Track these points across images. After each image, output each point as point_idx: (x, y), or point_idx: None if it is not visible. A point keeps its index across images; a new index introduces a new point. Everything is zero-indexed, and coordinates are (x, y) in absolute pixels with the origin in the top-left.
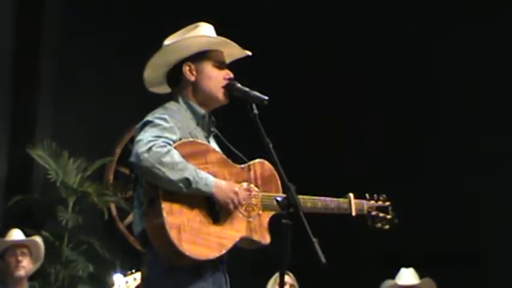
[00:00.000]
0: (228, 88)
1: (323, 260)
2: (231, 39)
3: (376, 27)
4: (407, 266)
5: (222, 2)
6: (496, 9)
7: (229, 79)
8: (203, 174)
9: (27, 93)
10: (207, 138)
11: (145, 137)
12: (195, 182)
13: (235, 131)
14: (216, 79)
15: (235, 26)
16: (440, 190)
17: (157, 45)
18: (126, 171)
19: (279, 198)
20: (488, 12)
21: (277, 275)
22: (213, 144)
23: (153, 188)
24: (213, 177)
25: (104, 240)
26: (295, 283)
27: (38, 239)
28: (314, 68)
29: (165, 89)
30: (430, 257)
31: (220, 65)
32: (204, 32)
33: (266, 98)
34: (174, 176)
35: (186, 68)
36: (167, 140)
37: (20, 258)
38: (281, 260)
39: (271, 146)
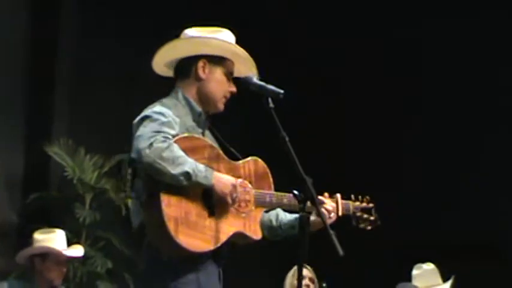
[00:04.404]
0: (245, 82)
1: (341, 252)
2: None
3: (377, 28)
4: (423, 261)
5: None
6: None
7: (231, 93)
8: (202, 167)
9: (43, 91)
10: (202, 134)
11: (145, 132)
12: (195, 175)
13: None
14: (222, 87)
15: (239, 25)
16: (457, 184)
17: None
18: None
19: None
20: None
21: (295, 268)
22: (209, 140)
23: (153, 182)
24: (212, 170)
25: (122, 237)
26: (314, 276)
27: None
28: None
29: (168, 73)
30: (447, 249)
31: (230, 76)
32: (230, 39)
33: (282, 91)
34: (174, 170)
35: (200, 64)
36: (166, 134)
37: (64, 270)
38: (299, 253)
39: (287, 139)
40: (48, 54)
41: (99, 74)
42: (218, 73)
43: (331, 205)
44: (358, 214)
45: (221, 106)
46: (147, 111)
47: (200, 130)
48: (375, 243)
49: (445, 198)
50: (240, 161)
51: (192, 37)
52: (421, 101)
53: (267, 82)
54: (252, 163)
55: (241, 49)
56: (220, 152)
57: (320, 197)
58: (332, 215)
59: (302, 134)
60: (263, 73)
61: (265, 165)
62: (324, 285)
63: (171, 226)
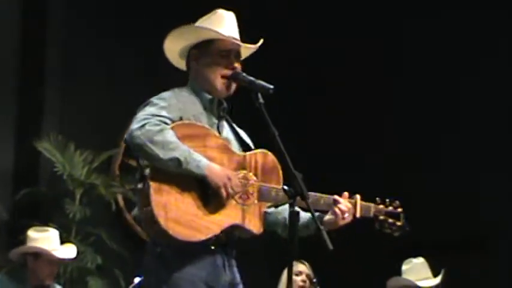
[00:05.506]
0: (233, 78)
1: (330, 247)
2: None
3: (377, 28)
4: (415, 256)
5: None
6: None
7: (232, 69)
8: (196, 156)
9: (33, 86)
10: (217, 123)
11: (141, 115)
12: (186, 163)
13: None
14: (214, 69)
15: (239, 25)
16: (447, 178)
17: (163, 36)
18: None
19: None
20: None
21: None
22: (226, 130)
23: (145, 166)
24: (207, 160)
25: (111, 232)
26: (311, 272)
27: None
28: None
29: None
30: (436, 244)
31: (227, 54)
32: (220, 21)
33: (271, 87)
34: (164, 154)
35: (191, 56)
36: (163, 118)
37: (55, 270)
38: (290, 249)
39: (277, 134)
40: (38, 51)
41: (89, 70)
42: (209, 57)
43: (346, 205)
44: (382, 218)
45: (221, 87)
46: (152, 98)
47: (213, 119)
48: (372, 241)
49: (441, 196)
50: (247, 153)
51: (174, 32)
52: (422, 101)
53: (258, 78)
54: (260, 156)
55: (219, 32)
56: (226, 142)
57: (336, 197)
58: (346, 215)
59: (302, 134)
60: (263, 73)
61: (275, 160)
62: (314, 280)
63: (159, 212)
